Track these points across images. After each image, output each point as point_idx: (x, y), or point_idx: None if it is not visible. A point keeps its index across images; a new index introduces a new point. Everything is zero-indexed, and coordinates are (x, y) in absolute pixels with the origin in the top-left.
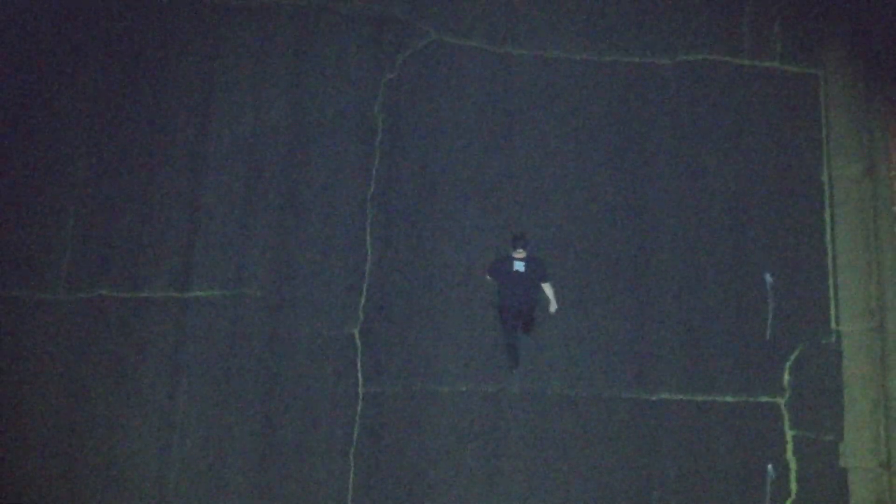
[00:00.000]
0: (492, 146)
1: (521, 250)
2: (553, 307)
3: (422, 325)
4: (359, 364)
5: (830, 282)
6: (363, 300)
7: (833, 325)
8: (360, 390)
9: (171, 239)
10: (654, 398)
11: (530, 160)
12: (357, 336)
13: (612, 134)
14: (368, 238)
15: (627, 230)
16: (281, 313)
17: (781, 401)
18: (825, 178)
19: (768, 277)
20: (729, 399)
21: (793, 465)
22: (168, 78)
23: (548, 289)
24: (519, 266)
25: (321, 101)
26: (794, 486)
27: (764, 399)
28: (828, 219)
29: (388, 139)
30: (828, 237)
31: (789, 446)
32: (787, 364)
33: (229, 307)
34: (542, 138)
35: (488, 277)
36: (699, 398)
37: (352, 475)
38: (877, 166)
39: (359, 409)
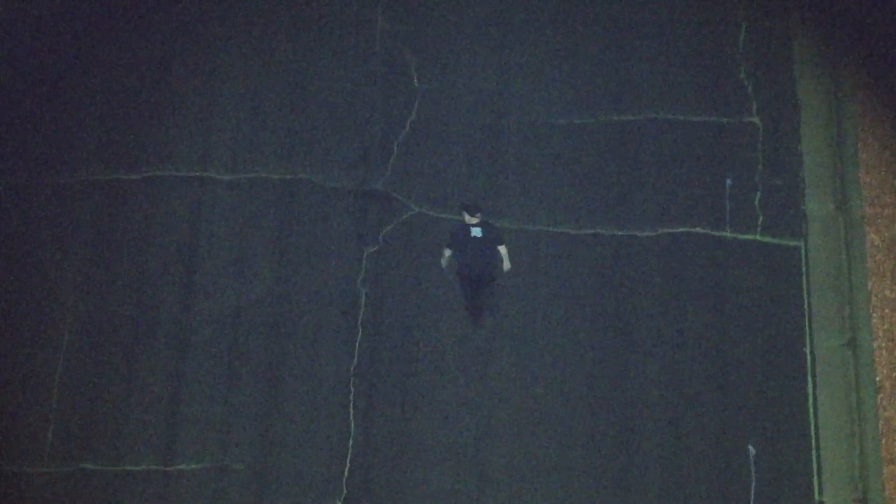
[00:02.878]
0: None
1: (475, 216)
2: (506, 266)
3: (405, 500)
4: None
5: (813, 454)
6: (346, 473)
7: (816, 496)
8: None
9: (154, 412)
10: None
11: (514, 332)
12: None
13: (594, 305)
14: (352, 411)
15: (610, 399)
16: (264, 486)
17: None
18: (808, 349)
19: (751, 449)
20: None
21: None
22: (150, 252)
23: (503, 250)
24: (476, 231)
25: (304, 274)
26: None
27: None
28: (810, 390)
29: (371, 313)
30: (810, 408)
31: None
32: None
33: (213, 480)
34: (525, 310)
35: (447, 252)
36: None
37: None
38: (859, 338)
39: None
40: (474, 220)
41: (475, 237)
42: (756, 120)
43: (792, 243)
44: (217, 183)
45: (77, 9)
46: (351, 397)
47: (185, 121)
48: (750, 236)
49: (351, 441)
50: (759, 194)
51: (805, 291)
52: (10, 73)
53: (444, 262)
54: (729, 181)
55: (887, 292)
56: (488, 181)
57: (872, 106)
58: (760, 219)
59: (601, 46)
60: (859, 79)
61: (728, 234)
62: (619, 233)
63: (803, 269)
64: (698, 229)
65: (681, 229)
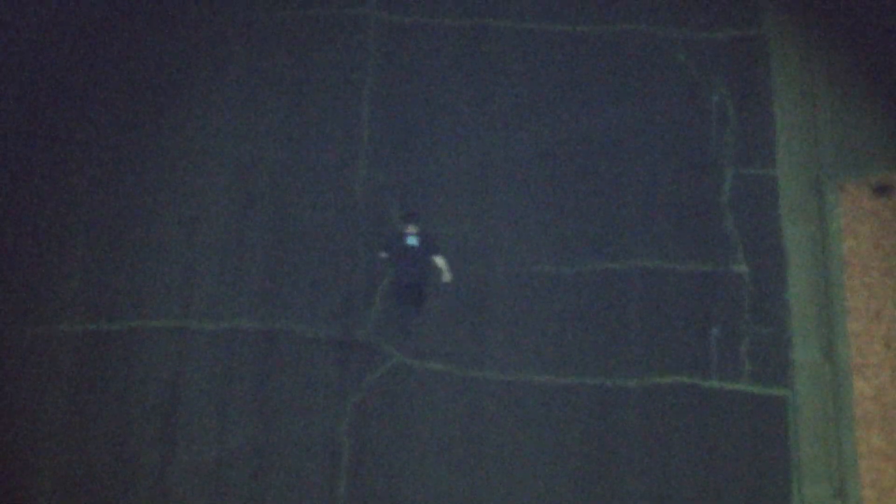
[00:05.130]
0: (459, 466)
1: (412, 226)
2: (446, 278)
3: None
4: None
5: None
6: None
7: None
8: None
9: None
10: None
11: (499, 480)
12: None
13: (580, 455)
14: None
15: None
16: None
17: None
18: (796, 500)
19: None
20: None
21: None
22: (130, 403)
23: (440, 261)
24: (412, 240)
25: (286, 424)
26: None
27: None
28: None
29: (354, 462)
30: None
31: None
32: None
33: None
34: (510, 460)
35: (383, 254)
36: None
37: None
38: (847, 487)
39: None
40: (410, 230)
41: (411, 246)
42: (743, 268)
43: (779, 392)
44: (197, 333)
45: (68, 157)
46: None
47: (165, 270)
48: (737, 385)
49: None
50: (745, 343)
51: (793, 440)
52: None
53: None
54: (716, 330)
55: (875, 441)
56: (473, 329)
57: (859, 253)
58: (747, 368)
59: (587, 195)
60: (846, 225)
61: (715, 383)
62: (606, 382)
63: (791, 418)
64: (685, 378)
65: (667, 379)
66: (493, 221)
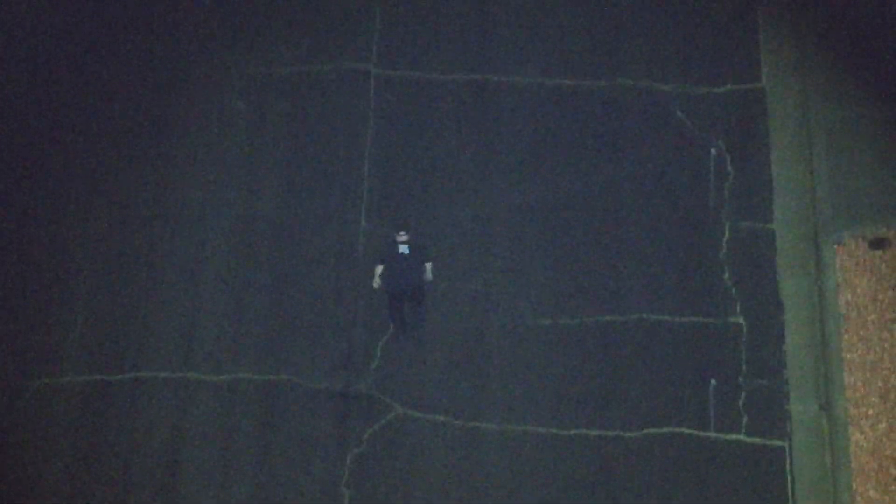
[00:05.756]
0: None
1: (403, 233)
2: (428, 277)
3: None
4: None
5: None
6: None
7: None
8: None
9: None
10: None
11: None
12: None
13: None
14: None
15: None
16: None
17: None
18: None
19: None
20: None
21: None
22: (133, 453)
23: (428, 266)
24: (404, 249)
25: (287, 476)
26: None
27: None
28: None
29: None
30: None
31: None
32: None
33: None
34: None
35: (378, 269)
36: None
37: None
38: None
39: None
40: (402, 237)
41: (402, 254)
42: (740, 320)
43: (776, 444)
44: (200, 384)
45: (71, 211)
46: None
47: (167, 322)
48: (734, 436)
49: None
50: (743, 395)
51: (790, 492)
52: None
53: (375, 283)
54: (714, 382)
55: (872, 493)
56: (473, 381)
57: (856, 306)
58: (745, 419)
59: (586, 248)
60: (843, 278)
61: (713, 434)
62: (605, 433)
63: (788, 469)
64: (683, 429)
65: (666, 429)
66: (492, 274)
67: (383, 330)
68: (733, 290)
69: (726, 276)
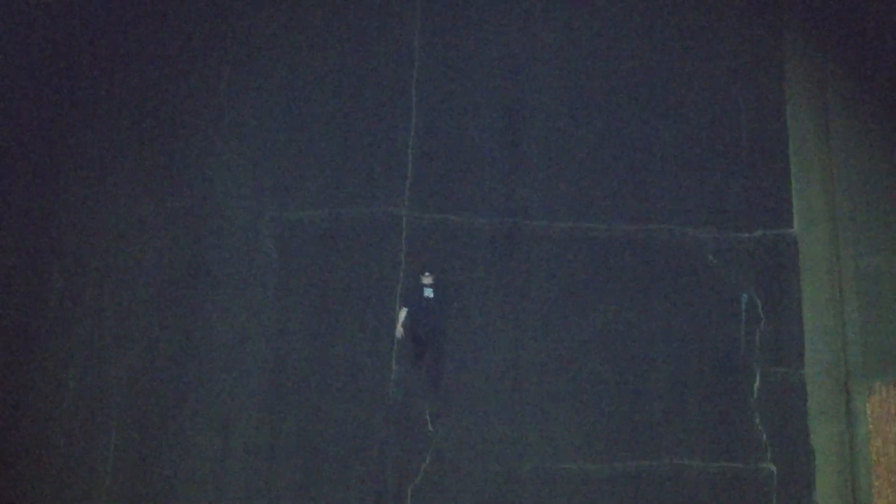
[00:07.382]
0: None
1: (428, 275)
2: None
3: None
4: None
5: None
6: None
7: None
8: None
9: None
10: None
11: None
12: None
13: None
14: None
15: None
16: None
17: None
18: None
19: None
20: None
21: None
22: None
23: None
24: (428, 292)
25: None
26: None
27: None
28: None
29: None
30: None
31: None
32: None
33: None
34: None
35: (403, 313)
36: None
37: None
38: None
39: None
40: (427, 280)
41: (427, 297)
42: (771, 466)
43: None
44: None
45: (103, 358)
46: None
47: (198, 464)
48: None
49: None
50: None
51: None
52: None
53: (398, 332)
54: None
55: None
56: None
57: (887, 454)
58: None
59: (617, 393)
60: (874, 426)
61: None
62: None
63: None
64: None
65: None
66: (522, 418)
67: (414, 472)
68: (764, 436)
69: (757, 421)
